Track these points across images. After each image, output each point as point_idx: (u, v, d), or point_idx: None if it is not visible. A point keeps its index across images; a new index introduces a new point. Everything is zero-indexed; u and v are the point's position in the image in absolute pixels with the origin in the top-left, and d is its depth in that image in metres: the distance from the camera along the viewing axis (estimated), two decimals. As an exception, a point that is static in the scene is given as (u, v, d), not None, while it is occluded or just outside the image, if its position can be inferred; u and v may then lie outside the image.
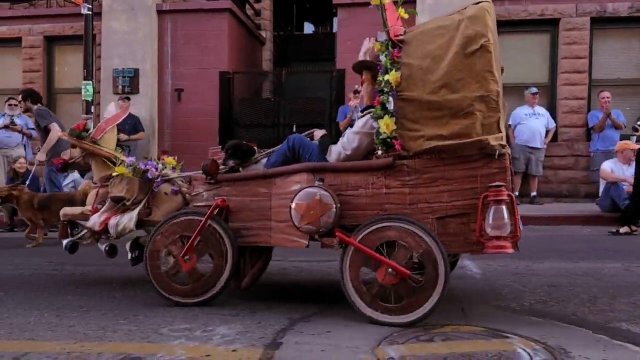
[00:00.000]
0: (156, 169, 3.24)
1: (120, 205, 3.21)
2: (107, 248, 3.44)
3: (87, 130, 3.57)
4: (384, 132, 2.58)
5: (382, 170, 2.63)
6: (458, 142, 2.49)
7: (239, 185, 2.93)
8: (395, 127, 2.57)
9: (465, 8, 2.59)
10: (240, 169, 3.11)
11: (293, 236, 2.71)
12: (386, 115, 2.57)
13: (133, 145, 7.97)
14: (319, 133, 3.22)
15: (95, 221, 3.24)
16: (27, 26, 9.33)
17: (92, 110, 8.39)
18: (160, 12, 8.90)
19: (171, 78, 8.96)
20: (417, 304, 2.43)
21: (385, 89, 2.58)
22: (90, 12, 8.45)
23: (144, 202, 3.22)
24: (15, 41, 9.46)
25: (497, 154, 2.46)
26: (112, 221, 3.16)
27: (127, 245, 3.29)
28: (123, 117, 3.89)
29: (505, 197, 2.37)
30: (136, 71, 8.79)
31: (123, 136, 7.91)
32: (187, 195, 3.30)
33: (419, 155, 2.56)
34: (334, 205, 2.54)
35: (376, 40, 2.75)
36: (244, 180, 2.93)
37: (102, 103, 8.97)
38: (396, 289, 2.48)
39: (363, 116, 2.89)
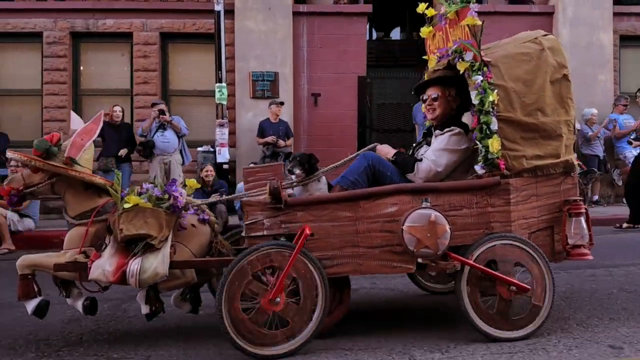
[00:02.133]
0: (181, 194, 2.65)
1: (142, 246, 2.51)
2: (86, 303, 2.73)
3: (58, 146, 2.71)
4: (492, 152, 2.63)
5: (487, 190, 2.68)
6: (552, 162, 2.80)
7: (315, 210, 2.59)
8: (500, 147, 2.66)
9: (535, 38, 2.91)
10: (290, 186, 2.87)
11: (394, 262, 2.62)
12: (494, 135, 2.64)
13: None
14: (384, 149, 3.07)
15: (103, 270, 2.49)
16: (140, 20, 8.48)
17: (226, 115, 7.99)
18: (295, 14, 8.54)
19: (307, 82, 8.68)
20: (529, 319, 2.63)
21: (490, 110, 2.64)
22: (222, 9, 8.02)
23: (170, 238, 2.59)
24: (125, 36, 8.56)
25: (573, 171, 2.88)
26: (133, 267, 2.46)
27: (141, 296, 2.70)
28: (98, 131, 2.87)
29: (583, 210, 2.76)
30: (276, 75, 8.41)
31: (281, 142, 7.59)
32: (215, 225, 2.87)
33: (518, 174, 2.72)
34: (448, 227, 2.52)
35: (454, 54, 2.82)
36: (321, 203, 2.62)
37: (237, 108, 8.49)
38: (509, 306, 2.63)
39: (443, 133, 2.88)
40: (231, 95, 8.26)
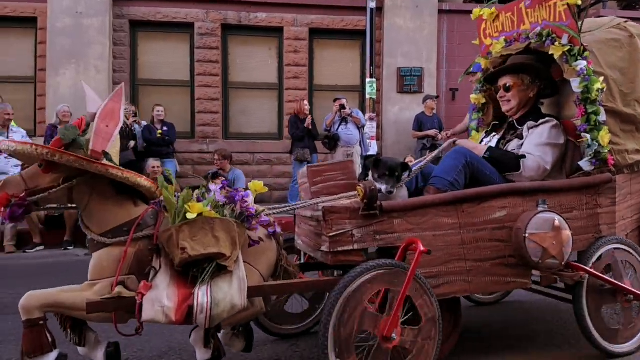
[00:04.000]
0: (248, 199, 2.10)
1: (211, 269, 1.92)
2: (109, 350, 2.09)
3: (84, 133, 2.02)
4: (603, 146, 2.40)
5: (596, 188, 2.41)
6: None
7: (413, 216, 2.14)
8: (609, 140, 2.41)
9: (619, 24, 2.73)
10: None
11: (507, 277, 2.25)
12: (604, 127, 2.40)
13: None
14: (469, 144, 2.71)
15: (162, 306, 1.85)
16: (292, 15, 8.63)
17: (374, 110, 8.34)
18: (439, 12, 8.91)
19: (446, 78, 9.06)
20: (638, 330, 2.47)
21: (597, 98, 2.41)
22: (374, 7, 8.35)
23: (240, 257, 2.02)
24: (275, 31, 8.69)
25: None
26: (202, 298, 1.86)
27: (198, 338, 2.09)
28: (122, 113, 2.09)
29: None
30: (422, 70, 8.76)
31: (443, 135, 7.96)
32: (280, 238, 2.33)
33: (619, 171, 2.49)
34: (570, 232, 2.21)
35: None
36: (420, 208, 2.16)
37: (384, 102, 8.80)
38: (629, 316, 2.44)
39: (538, 125, 2.58)
40: (377, 90, 8.56)
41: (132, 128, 7.25)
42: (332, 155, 7.47)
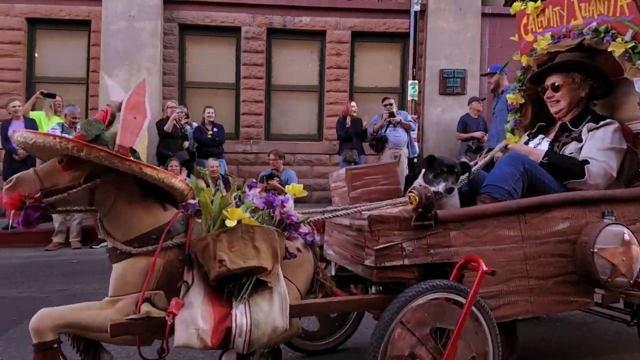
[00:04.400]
0: (285, 203, 1.86)
1: (251, 285, 1.70)
2: None
3: (109, 126, 1.81)
4: None
5: None
6: None
7: (472, 228, 1.94)
8: None
9: None
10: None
11: (570, 296, 2.06)
12: None
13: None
14: (523, 148, 2.53)
15: (196, 329, 1.62)
16: (335, 19, 8.78)
17: (415, 111, 8.37)
18: (481, 15, 8.94)
19: (487, 80, 9.06)
20: None
21: None
22: (418, 10, 8.40)
23: (280, 271, 1.80)
24: (317, 34, 8.85)
25: None
26: (241, 319, 1.65)
27: None
28: (148, 108, 1.84)
29: None
30: (465, 72, 8.79)
31: (485, 138, 7.95)
32: (317, 248, 2.10)
33: None
34: (638, 247, 2.01)
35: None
36: (478, 218, 1.96)
37: (425, 104, 8.84)
38: None
39: (598, 127, 2.41)
40: (418, 92, 8.61)
41: (184, 129, 7.48)
42: (380, 157, 7.55)
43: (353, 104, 7.66)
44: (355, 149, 7.37)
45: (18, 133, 1.68)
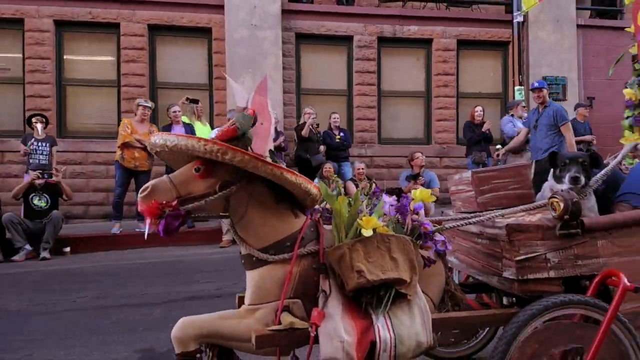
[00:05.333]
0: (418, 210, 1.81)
1: (390, 297, 1.66)
2: None
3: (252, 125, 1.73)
4: None
5: None
6: None
7: (621, 236, 1.80)
8: None
9: None
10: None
11: None
12: None
13: None
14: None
15: (341, 341, 1.58)
16: (441, 28, 9.18)
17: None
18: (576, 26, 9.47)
19: (583, 87, 9.57)
20: None
21: None
22: (521, 21, 8.89)
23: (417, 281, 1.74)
24: (425, 42, 9.24)
25: None
26: (385, 334, 1.60)
27: None
28: (272, 109, 1.81)
29: None
30: (566, 79, 9.28)
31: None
32: (445, 257, 1.98)
33: None
34: None
35: None
36: (628, 227, 1.81)
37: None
38: None
39: None
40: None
41: (319, 134, 7.75)
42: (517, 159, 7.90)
43: (479, 108, 8.02)
44: (484, 151, 7.72)
45: (158, 135, 1.64)
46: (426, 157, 8.96)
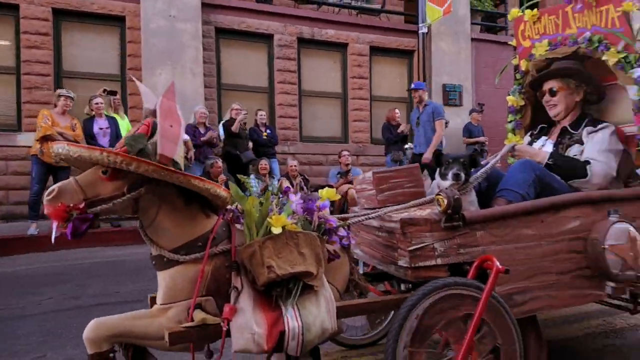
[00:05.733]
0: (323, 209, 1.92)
1: (299, 289, 1.75)
2: None
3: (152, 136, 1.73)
4: None
5: None
6: None
7: (496, 227, 2.04)
8: None
9: None
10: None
11: (585, 289, 2.19)
12: None
13: None
14: (529, 150, 2.69)
15: (252, 334, 1.67)
16: (355, 34, 9.69)
17: None
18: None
19: (475, 94, 10.78)
20: None
21: None
22: (425, 32, 9.91)
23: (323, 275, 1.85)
24: (341, 46, 9.67)
25: None
26: (293, 323, 1.70)
27: None
28: (179, 110, 1.80)
29: None
30: (462, 87, 10.36)
31: (486, 141, 9.62)
32: (351, 250, 2.16)
33: None
34: None
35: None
36: (501, 219, 2.06)
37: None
38: None
39: (597, 130, 2.56)
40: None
41: (247, 130, 7.75)
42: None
43: (397, 110, 8.66)
44: (400, 150, 8.37)
45: (59, 145, 1.65)
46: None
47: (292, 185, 7.12)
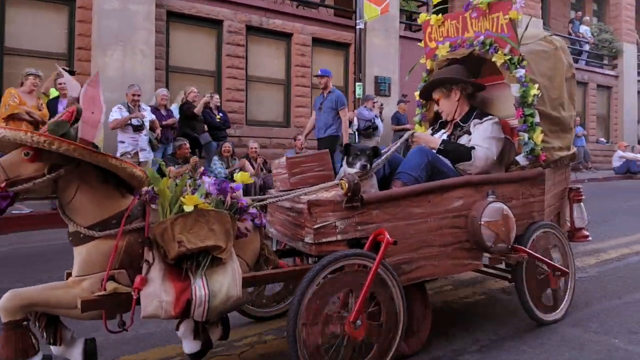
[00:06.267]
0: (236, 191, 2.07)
1: (206, 262, 1.90)
2: (88, 348, 2.01)
3: (75, 121, 1.89)
4: (536, 144, 2.75)
5: (531, 180, 2.76)
6: (567, 154, 3.06)
7: (389, 207, 2.30)
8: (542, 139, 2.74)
9: (545, 37, 3.14)
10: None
11: (464, 259, 2.53)
12: (538, 128, 2.76)
13: None
14: (425, 137, 2.99)
15: (160, 301, 1.82)
16: (300, 25, 10.33)
17: (355, 108, 10.99)
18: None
19: (400, 86, 11.98)
20: (563, 299, 2.89)
21: (533, 102, 2.76)
22: (363, 27, 10.98)
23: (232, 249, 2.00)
24: (286, 36, 10.26)
25: (574, 162, 3.18)
26: (200, 291, 1.86)
27: (188, 329, 2.08)
28: (102, 98, 1.98)
29: (583, 196, 3.12)
30: (390, 79, 11.49)
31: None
32: (263, 228, 2.31)
33: (547, 165, 2.84)
34: (514, 219, 2.53)
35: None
36: (394, 199, 2.32)
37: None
38: (557, 290, 2.85)
39: (482, 122, 2.87)
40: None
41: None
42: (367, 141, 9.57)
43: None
44: None
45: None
46: (285, 138, 10.21)
47: (253, 167, 7.71)
